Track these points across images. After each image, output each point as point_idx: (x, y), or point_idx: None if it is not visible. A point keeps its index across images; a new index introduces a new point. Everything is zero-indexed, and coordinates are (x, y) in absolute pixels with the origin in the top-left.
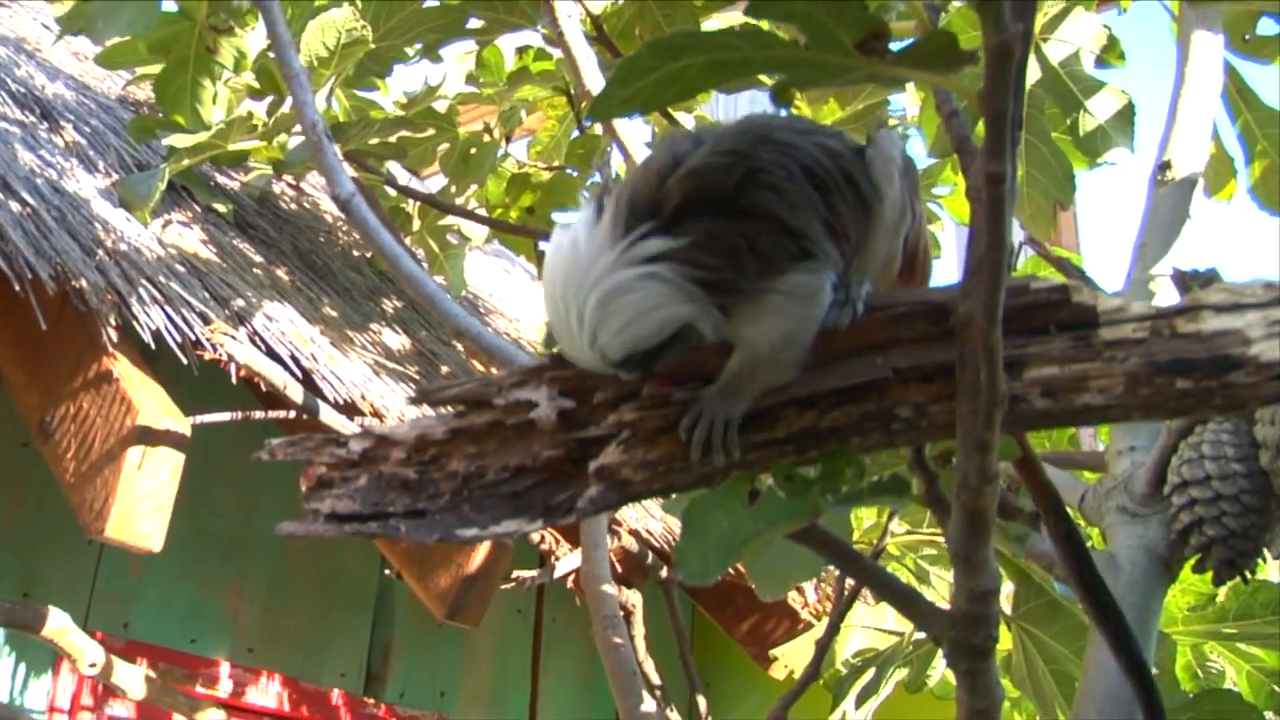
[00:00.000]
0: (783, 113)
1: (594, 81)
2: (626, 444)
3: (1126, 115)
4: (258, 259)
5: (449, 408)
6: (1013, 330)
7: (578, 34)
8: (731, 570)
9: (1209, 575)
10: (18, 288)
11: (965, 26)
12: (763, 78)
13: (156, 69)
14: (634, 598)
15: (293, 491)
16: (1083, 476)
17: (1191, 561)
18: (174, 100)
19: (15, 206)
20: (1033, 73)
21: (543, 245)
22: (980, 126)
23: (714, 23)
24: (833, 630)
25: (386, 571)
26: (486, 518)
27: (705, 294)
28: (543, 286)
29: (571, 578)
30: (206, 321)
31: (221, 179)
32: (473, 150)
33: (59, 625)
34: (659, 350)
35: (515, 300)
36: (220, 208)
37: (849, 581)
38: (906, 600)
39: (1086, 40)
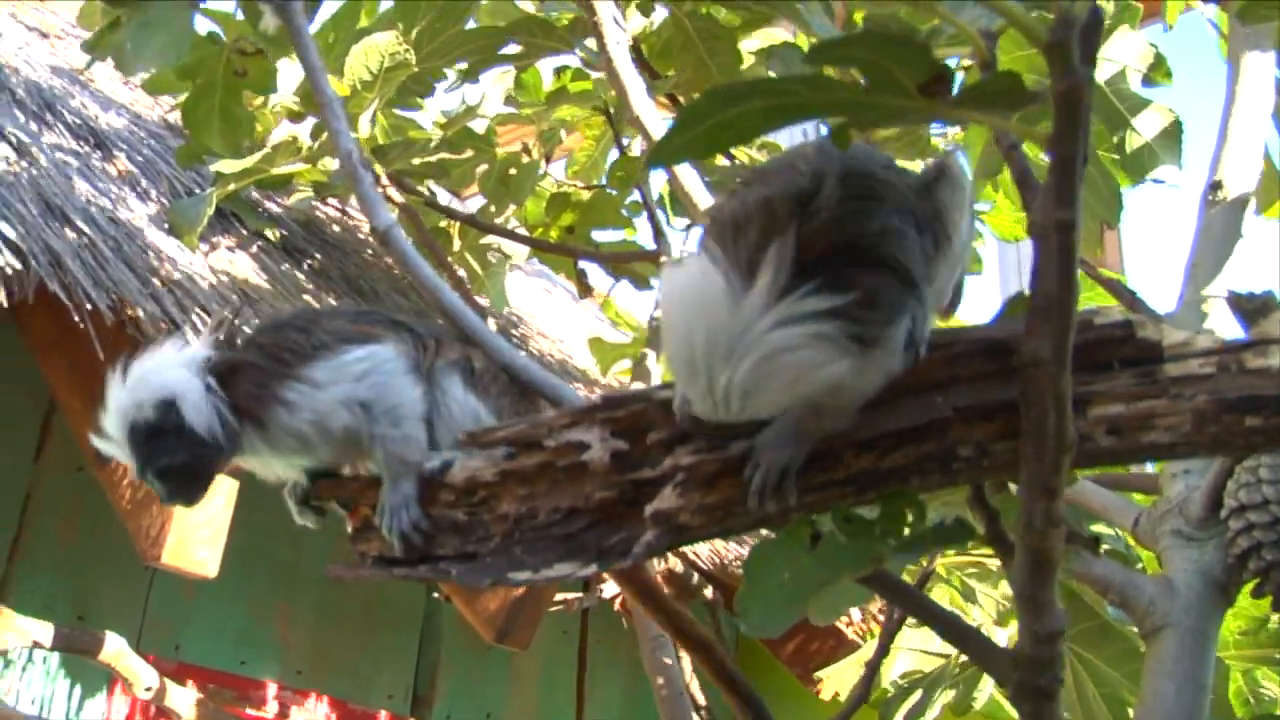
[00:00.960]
0: None
1: (641, 106)
2: (683, 487)
3: (1174, 133)
4: (306, 284)
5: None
6: (1077, 366)
7: (625, 60)
8: None
9: (1264, 600)
10: (77, 318)
11: (1010, 47)
12: None
13: None
14: None
15: (340, 516)
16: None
17: (1249, 586)
18: (201, 124)
19: (72, 236)
20: None
21: (582, 263)
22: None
23: (754, 42)
24: (882, 652)
25: (435, 594)
26: (538, 560)
27: (859, 348)
28: (671, 333)
29: (618, 600)
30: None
31: (268, 204)
32: (511, 170)
33: (116, 649)
34: None
35: (556, 320)
36: (269, 233)
37: None
38: (969, 640)
39: (1132, 59)
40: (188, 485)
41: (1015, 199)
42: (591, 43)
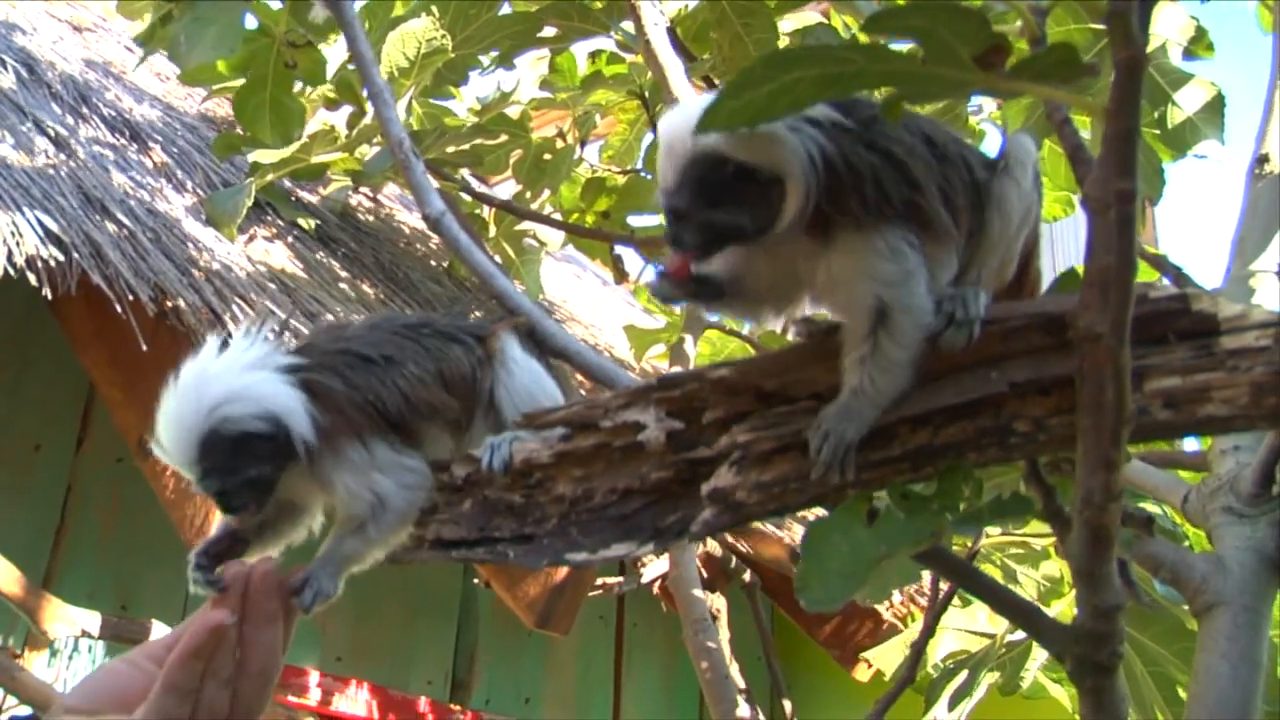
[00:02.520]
0: None
1: (680, 87)
2: (739, 465)
3: (1216, 107)
4: (342, 273)
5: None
6: (1133, 340)
7: (664, 41)
8: None
9: None
10: (119, 308)
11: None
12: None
13: (236, 84)
14: (718, 602)
15: None
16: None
17: None
18: (253, 116)
19: (112, 228)
20: None
21: (619, 249)
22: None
23: (789, 24)
24: (928, 633)
25: (475, 580)
26: (595, 541)
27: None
28: None
29: (656, 584)
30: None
31: (301, 194)
32: (546, 156)
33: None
34: None
35: (588, 307)
36: (303, 222)
37: (943, 585)
38: (1028, 617)
39: (1174, 32)
40: (259, 498)
41: (1054, 177)
42: (628, 25)
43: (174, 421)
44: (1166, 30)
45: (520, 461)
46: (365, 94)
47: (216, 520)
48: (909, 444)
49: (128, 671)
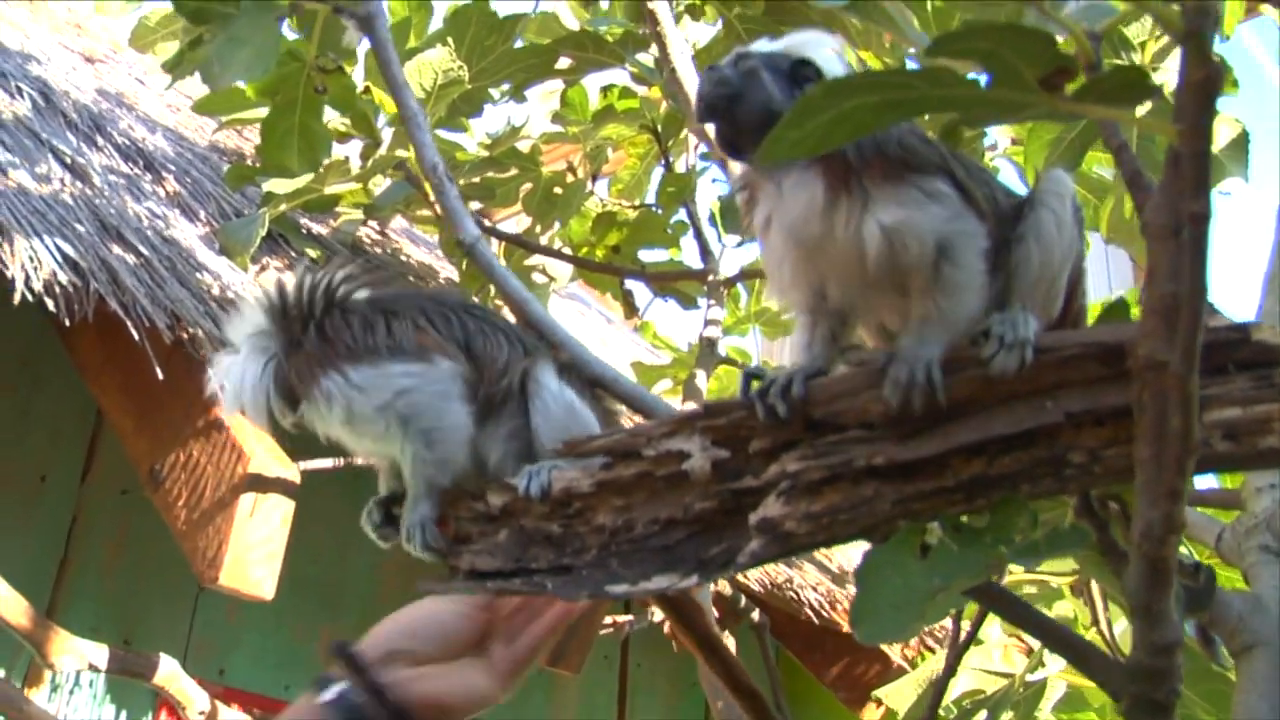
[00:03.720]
0: None
1: None
2: (788, 495)
3: (1241, 144)
4: None
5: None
6: None
7: (690, 70)
8: (813, 611)
9: None
10: (137, 336)
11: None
12: None
13: (248, 115)
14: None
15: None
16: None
17: None
18: (281, 143)
19: (129, 256)
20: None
21: (629, 283)
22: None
23: None
24: (949, 671)
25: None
26: (636, 573)
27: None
28: None
29: (666, 623)
30: None
31: (311, 225)
32: (556, 189)
33: (169, 672)
34: None
35: (593, 343)
36: (313, 254)
37: (965, 622)
38: (1083, 654)
39: None
40: None
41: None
42: (643, 57)
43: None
44: None
45: (559, 490)
46: (380, 123)
47: (381, 480)
48: (962, 474)
49: (454, 620)
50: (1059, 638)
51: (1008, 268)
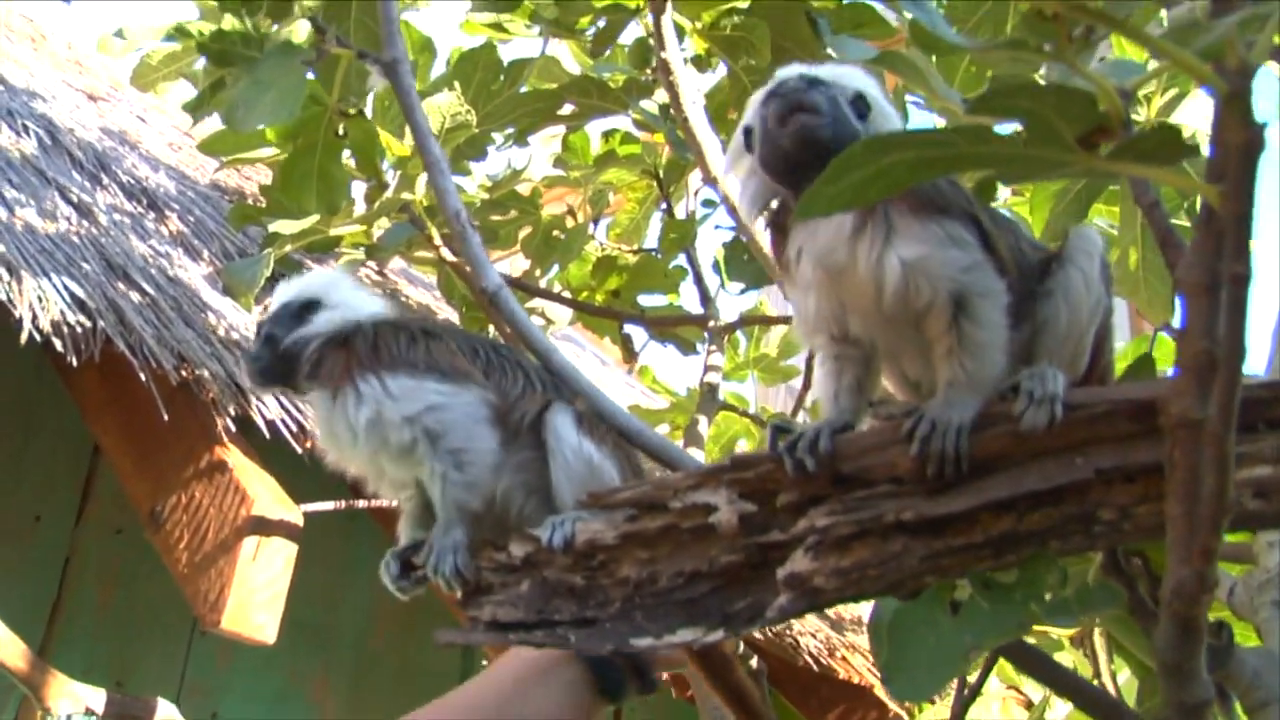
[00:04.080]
0: None
1: (717, 165)
2: (816, 550)
3: None
4: None
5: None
6: None
7: (701, 118)
8: (811, 658)
9: None
10: (144, 377)
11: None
12: None
13: (252, 155)
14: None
15: (376, 579)
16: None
17: None
18: (299, 186)
19: (136, 296)
20: None
21: (628, 328)
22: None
23: None
24: None
25: (485, 662)
26: (660, 626)
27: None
28: None
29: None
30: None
31: (312, 265)
32: (556, 233)
33: (166, 716)
34: None
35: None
36: None
37: (970, 675)
38: (1115, 714)
39: (1203, 124)
40: (271, 361)
41: None
42: (647, 104)
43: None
44: (1197, 122)
45: (583, 542)
46: (385, 166)
47: (402, 529)
48: (992, 530)
49: None
50: (1089, 696)
51: (1034, 321)
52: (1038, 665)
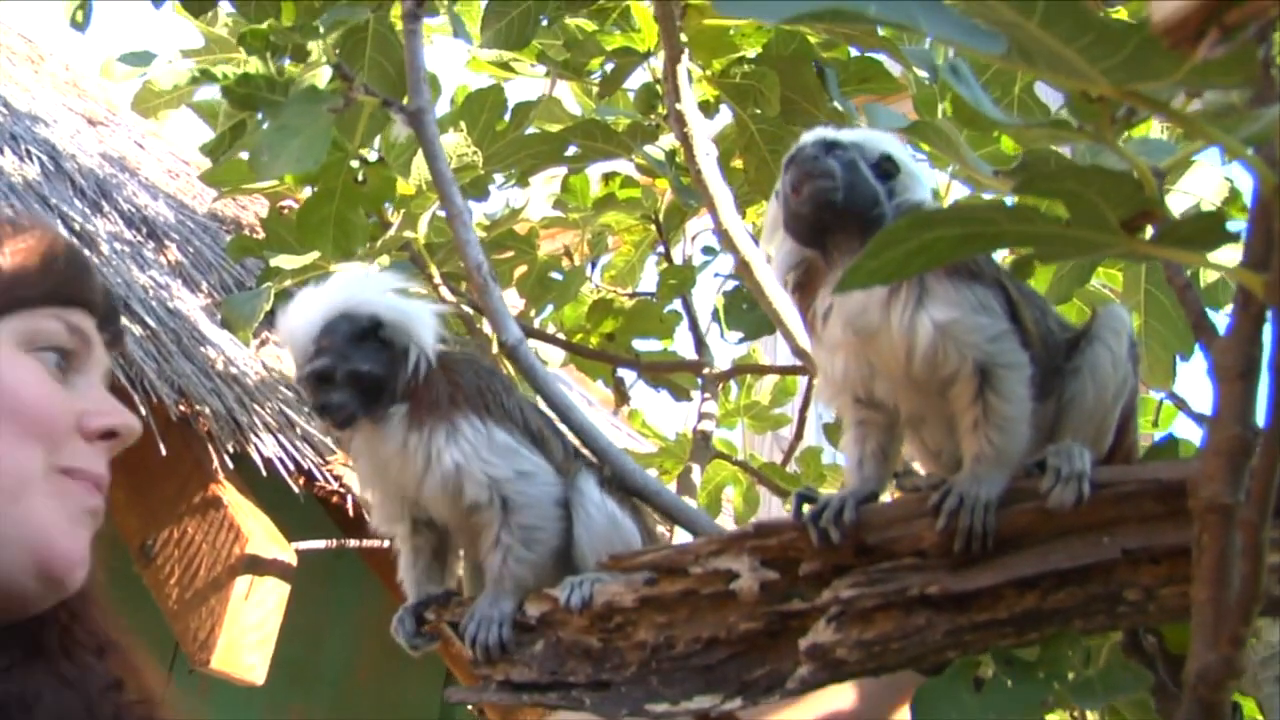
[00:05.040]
0: None
1: (730, 219)
2: (838, 621)
3: None
4: None
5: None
6: None
7: (714, 170)
8: None
9: None
10: (144, 411)
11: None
12: None
13: (253, 186)
14: None
15: (360, 618)
16: None
17: None
18: (316, 230)
19: (136, 328)
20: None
21: (620, 371)
22: None
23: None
24: None
25: (469, 707)
26: (676, 692)
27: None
28: None
29: None
30: (312, 447)
31: None
32: (551, 273)
33: None
34: None
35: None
36: None
37: None
38: None
39: (1208, 192)
40: (356, 399)
41: None
42: (651, 149)
43: (309, 301)
44: (1201, 190)
45: (601, 604)
46: (390, 208)
47: (410, 585)
48: (1016, 607)
49: None
50: None
51: (1059, 398)
52: None
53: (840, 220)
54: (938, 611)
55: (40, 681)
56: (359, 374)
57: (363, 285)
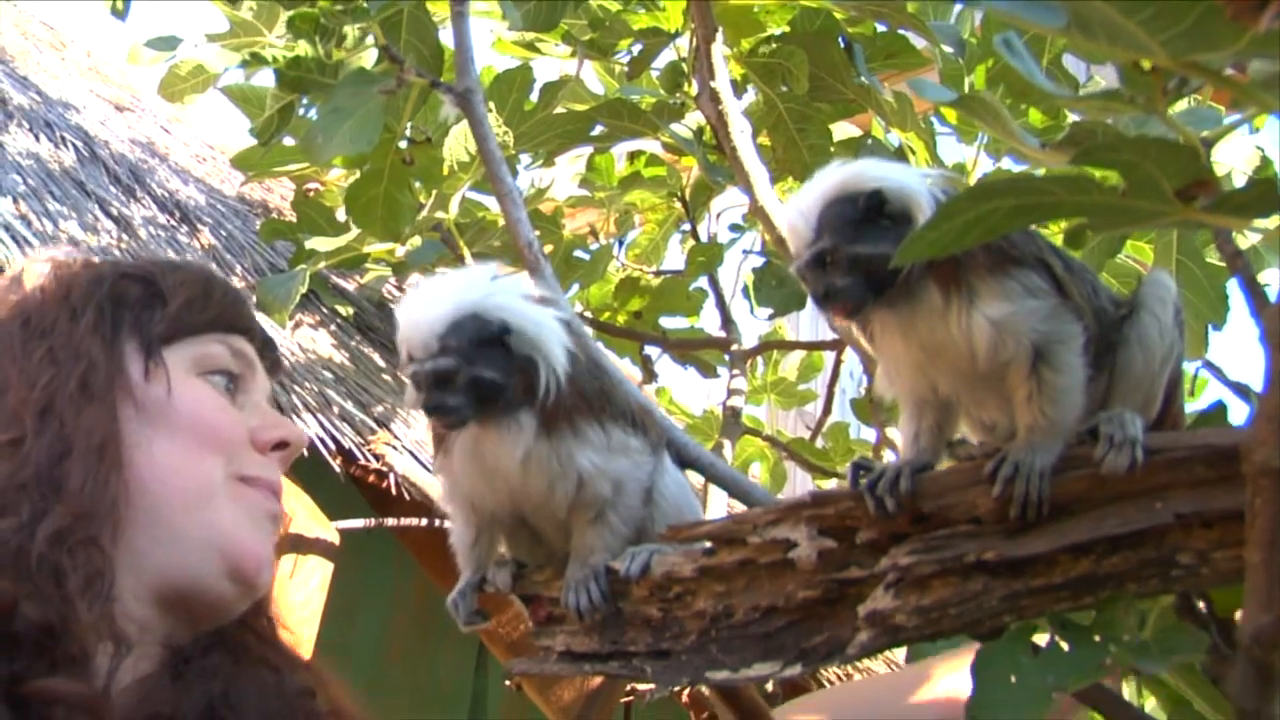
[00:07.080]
0: None
1: (766, 197)
2: (896, 588)
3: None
4: (382, 363)
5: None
6: None
7: (750, 149)
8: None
9: None
10: None
11: None
12: None
13: (282, 169)
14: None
15: (392, 596)
16: None
17: None
18: (364, 211)
19: None
20: None
21: (648, 349)
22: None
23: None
24: None
25: (506, 682)
26: (736, 659)
27: None
28: None
29: (685, 691)
30: (352, 427)
31: (337, 281)
32: (577, 252)
33: None
34: None
35: None
36: (342, 310)
37: None
38: None
39: (1239, 162)
40: (471, 404)
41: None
42: (678, 127)
43: (434, 294)
44: (1232, 160)
45: (660, 574)
46: (430, 197)
47: (469, 562)
48: (1071, 572)
49: None
50: None
51: (1111, 368)
52: (1117, 709)
53: (858, 299)
54: (994, 577)
55: (246, 684)
56: (481, 380)
57: (496, 287)
